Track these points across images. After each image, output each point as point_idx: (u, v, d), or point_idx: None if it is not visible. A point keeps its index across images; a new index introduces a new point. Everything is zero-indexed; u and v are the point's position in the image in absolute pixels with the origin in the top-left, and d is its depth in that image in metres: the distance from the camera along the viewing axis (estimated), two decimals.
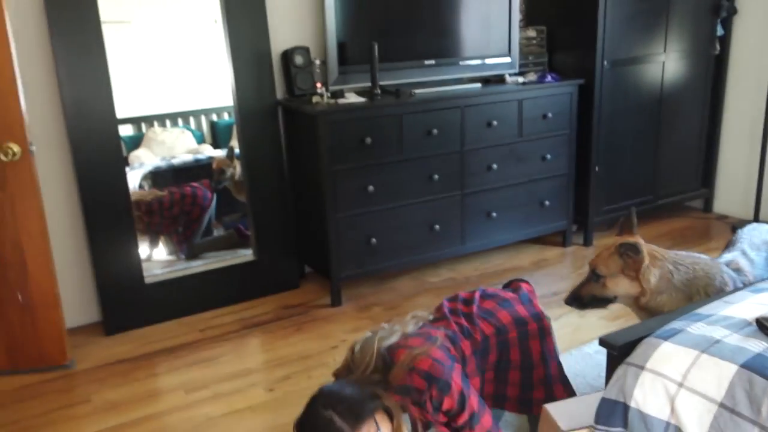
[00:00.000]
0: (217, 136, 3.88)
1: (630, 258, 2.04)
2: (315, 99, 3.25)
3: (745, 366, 1.43)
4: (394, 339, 1.88)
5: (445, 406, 1.78)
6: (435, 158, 3.42)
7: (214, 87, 3.52)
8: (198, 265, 3.45)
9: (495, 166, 3.58)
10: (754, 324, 1.57)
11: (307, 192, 3.44)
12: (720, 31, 4.18)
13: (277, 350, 2.98)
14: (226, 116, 3.87)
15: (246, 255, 3.51)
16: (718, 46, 4.20)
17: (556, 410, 1.80)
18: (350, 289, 3.50)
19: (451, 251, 3.64)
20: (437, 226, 3.50)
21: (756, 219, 4.15)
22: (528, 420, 2.22)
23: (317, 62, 3.39)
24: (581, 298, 2.15)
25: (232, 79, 3.25)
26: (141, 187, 3.59)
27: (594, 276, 2.13)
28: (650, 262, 2.04)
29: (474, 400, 1.83)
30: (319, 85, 3.33)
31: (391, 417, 1.71)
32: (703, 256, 2.20)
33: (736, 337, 1.52)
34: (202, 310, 3.34)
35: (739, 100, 4.30)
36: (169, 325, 3.24)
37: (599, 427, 1.58)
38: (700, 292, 2.03)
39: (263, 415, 2.51)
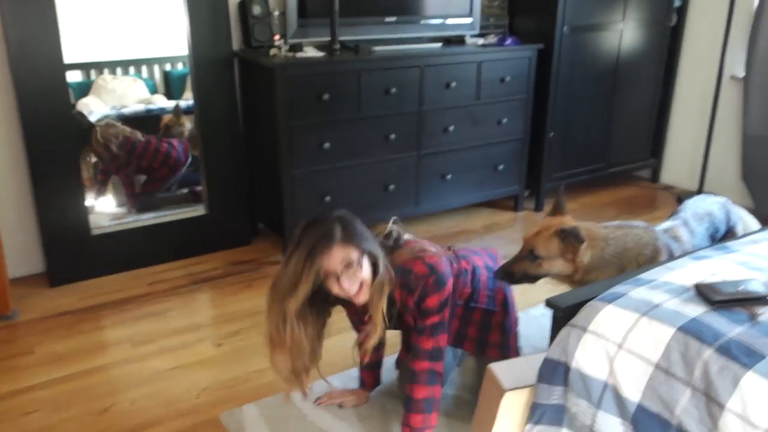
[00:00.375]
0: (171, 86, 3.78)
1: (571, 243, 2.07)
2: (272, 51, 3.18)
3: (681, 329, 1.48)
4: (408, 235, 2.05)
5: (428, 303, 1.87)
6: (392, 117, 3.41)
7: (169, 35, 3.41)
8: (148, 218, 3.38)
9: (452, 128, 3.59)
10: (693, 289, 1.62)
11: (262, 147, 3.39)
12: (677, 2, 4.23)
13: (227, 306, 2.97)
14: (180, 66, 3.76)
15: (197, 209, 3.45)
16: (675, 17, 4.26)
17: (500, 369, 1.84)
18: None
19: (405, 212, 3.65)
20: (392, 186, 3.50)
21: (700, 191, 4.27)
22: (477, 363, 2.32)
23: (276, 13, 3.32)
24: (513, 275, 2.15)
25: (187, 27, 3.15)
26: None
27: (530, 255, 2.12)
28: (587, 244, 2.07)
29: (447, 314, 1.92)
30: (277, 37, 3.26)
31: (375, 271, 1.81)
32: (638, 224, 2.23)
33: (675, 302, 1.57)
34: (151, 264, 3.28)
35: (691, 73, 4.38)
36: (116, 278, 3.18)
37: (541, 384, 1.62)
38: (632, 262, 2.08)
39: (211, 369, 2.51)
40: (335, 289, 1.79)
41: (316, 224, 1.80)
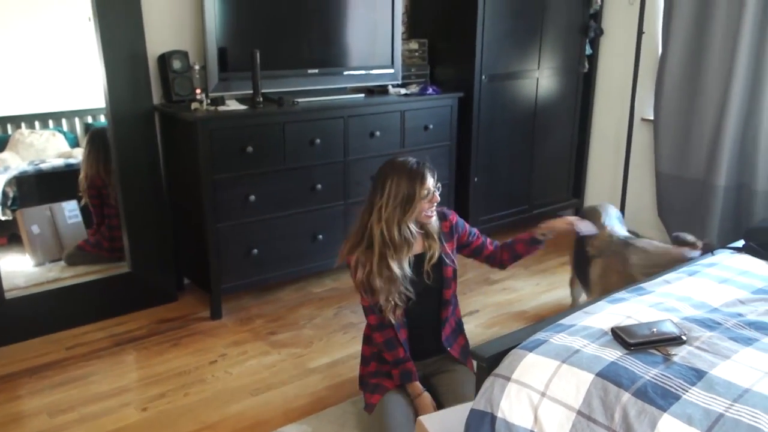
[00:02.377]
0: None
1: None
2: (194, 105, 3.15)
3: (600, 375, 1.51)
4: None
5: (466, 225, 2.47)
6: (318, 168, 3.42)
7: (89, 87, 3.33)
8: (66, 277, 3.24)
9: None
10: (610, 333, 1.67)
11: (186, 201, 3.33)
12: (588, 50, 4.45)
13: (152, 367, 2.86)
14: (102, 119, 3.67)
15: (120, 266, 3.34)
16: (586, 64, 4.47)
17: (430, 422, 1.84)
18: (231, 302, 3.42)
19: (335, 262, 3.62)
20: (320, 236, 3.49)
21: None
22: None
23: (197, 67, 3.30)
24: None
25: (104, 81, 3.09)
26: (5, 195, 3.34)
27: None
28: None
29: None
30: (198, 91, 3.24)
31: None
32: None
33: (594, 347, 1.61)
34: (70, 327, 3.14)
35: (605, 116, 4.59)
36: (32, 344, 3.03)
37: None
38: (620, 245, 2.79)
39: None
40: (427, 205, 2.24)
41: (404, 159, 2.27)
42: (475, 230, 2.49)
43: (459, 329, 2.50)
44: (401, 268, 2.24)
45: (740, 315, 1.78)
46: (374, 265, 2.23)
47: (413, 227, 2.25)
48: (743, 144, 3.77)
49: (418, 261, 2.33)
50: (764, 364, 1.52)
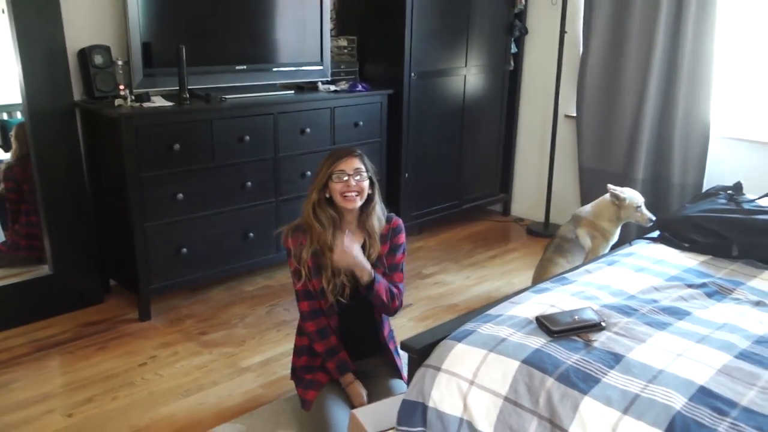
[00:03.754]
0: (8, 136, 3.52)
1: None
2: (118, 102, 3.07)
3: (525, 361, 1.57)
4: None
5: (400, 239, 2.39)
6: (248, 165, 3.38)
7: (4, 83, 3.19)
8: None
9: (309, 173, 3.61)
10: (534, 322, 1.73)
11: (110, 200, 3.24)
12: (514, 49, 4.56)
13: (78, 372, 2.77)
14: (18, 115, 3.52)
15: (40, 268, 3.22)
16: (512, 63, 4.58)
17: (364, 415, 1.86)
18: (160, 303, 3.35)
19: (267, 259, 3.61)
20: (251, 234, 3.46)
21: (547, 221, 4.58)
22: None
23: (120, 63, 3.21)
24: None
25: (21, 76, 2.97)
26: None
27: None
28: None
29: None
30: (122, 87, 3.15)
31: (370, 198, 2.29)
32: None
33: (519, 335, 1.67)
34: None
35: (530, 113, 4.72)
36: None
37: (401, 428, 1.65)
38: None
39: None
40: (339, 187, 2.22)
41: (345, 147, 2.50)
42: (401, 264, 2.40)
43: (391, 336, 2.50)
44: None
45: (655, 301, 1.88)
46: (316, 244, 2.26)
47: (331, 211, 2.28)
48: (659, 139, 3.96)
49: None
50: (676, 347, 1.61)
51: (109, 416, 2.48)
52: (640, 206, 3.06)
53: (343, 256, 2.18)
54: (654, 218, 3.01)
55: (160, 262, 3.17)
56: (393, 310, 2.32)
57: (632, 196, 3.09)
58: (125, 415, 2.49)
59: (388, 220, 2.39)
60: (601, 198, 3.18)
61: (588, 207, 3.22)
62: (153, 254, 3.14)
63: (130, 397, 2.60)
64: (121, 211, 3.13)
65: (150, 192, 3.07)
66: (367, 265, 2.21)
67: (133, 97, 3.10)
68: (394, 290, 2.30)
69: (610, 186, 3.11)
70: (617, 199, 3.07)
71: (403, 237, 2.40)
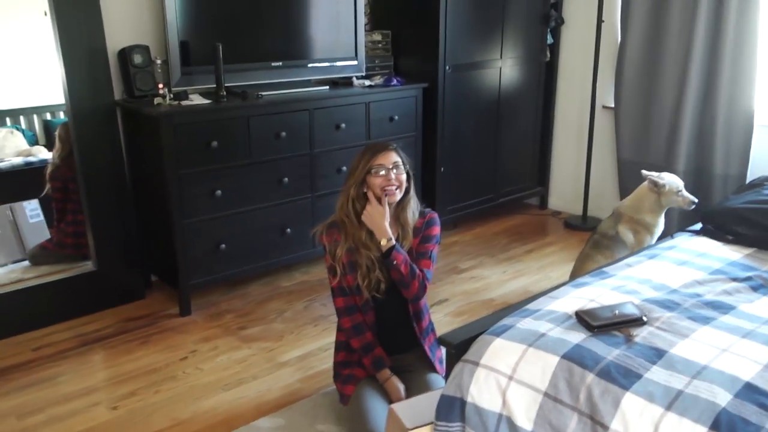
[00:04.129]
0: (53, 137, 3.61)
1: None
2: (157, 100, 3.12)
3: (565, 357, 1.55)
4: None
5: (433, 230, 2.38)
6: (284, 161, 3.41)
7: (47, 84, 3.27)
8: (29, 278, 3.19)
9: (344, 168, 3.62)
10: (574, 317, 1.71)
11: (151, 198, 3.30)
12: (550, 40, 4.50)
13: (121, 366, 2.84)
14: (61, 115, 3.61)
15: (84, 265, 3.30)
16: (548, 54, 4.52)
17: (402, 409, 1.86)
18: (200, 298, 3.40)
19: (304, 254, 3.64)
20: (289, 230, 3.49)
21: (585, 215, 4.52)
22: None
23: (158, 62, 3.26)
24: None
25: (63, 76, 3.04)
26: None
27: None
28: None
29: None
30: (161, 86, 3.20)
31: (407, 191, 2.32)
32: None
33: (559, 330, 1.65)
34: (34, 329, 3.10)
35: (567, 105, 4.66)
36: None
37: (440, 423, 1.65)
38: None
39: None
40: (379, 181, 2.24)
41: (380, 141, 2.46)
42: (430, 252, 2.36)
43: (430, 329, 2.49)
44: (372, 249, 2.27)
45: (698, 295, 1.84)
46: (351, 241, 2.28)
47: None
48: (701, 129, 3.87)
49: (390, 252, 2.35)
50: (720, 342, 1.58)
51: (152, 409, 2.53)
52: (680, 190, 2.98)
53: (372, 214, 2.24)
54: (696, 200, 2.94)
55: (199, 258, 3.22)
56: (414, 293, 2.28)
57: (671, 180, 3.01)
58: (168, 408, 2.54)
59: (422, 215, 2.39)
60: (638, 188, 3.10)
61: (626, 201, 3.15)
62: (192, 250, 3.19)
63: (172, 391, 2.65)
64: (161, 208, 3.18)
65: (189, 189, 3.11)
66: (389, 232, 2.24)
67: (171, 96, 3.15)
68: (416, 270, 2.28)
69: (645, 172, 3.04)
70: (656, 185, 2.99)
71: (437, 229, 2.39)
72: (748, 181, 3.51)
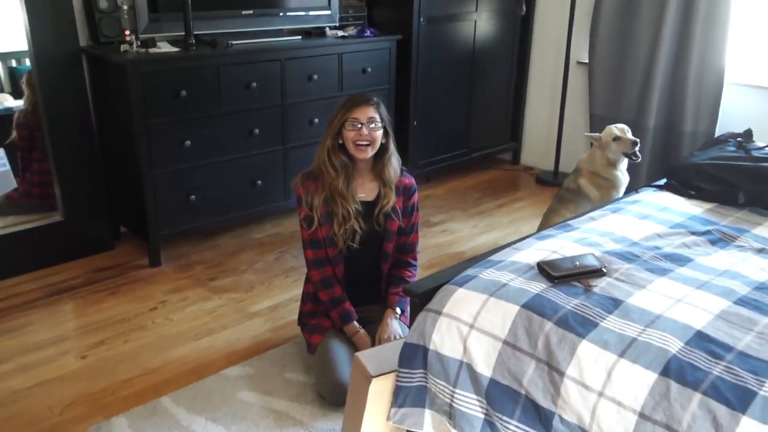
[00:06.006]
0: (19, 84, 3.52)
1: None
2: (123, 47, 3.05)
3: (525, 306, 1.59)
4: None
5: (415, 198, 2.45)
6: (255, 112, 3.37)
7: (12, 30, 3.17)
8: None
9: (317, 120, 3.60)
10: (536, 267, 1.74)
11: (119, 147, 3.26)
12: None
13: (90, 316, 2.84)
14: (27, 62, 3.51)
15: (52, 215, 3.27)
16: (524, 7, 4.48)
17: (366, 358, 1.89)
18: (170, 249, 3.39)
19: (276, 206, 3.63)
20: (260, 182, 3.47)
21: (556, 170, 4.55)
22: None
23: (125, 7, 3.18)
24: None
25: (26, 21, 2.95)
26: None
27: None
28: None
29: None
30: (127, 32, 3.12)
31: (385, 148, 2.34)
32: None
33: (520, 281, 1.68)
34: (3, 278, 3.08)
35: (541, 60, 4.64)
36: None
37: (402, 370, 1.69)
38: None
39: (75, 383, 2.40)
40: (352, 135, 2.25)
41: (362, 94, 2.39)
42: (417, 225, 2.49)
43: (403, 283, 2.45)
44: (348, 200, 2.30)
45: (657, 248, 1.88)
46: (328, 191, 2.30)
47: (344, 158, 2.30)
48: (672, 86, 3.89)
49: (371, 207, 2.36)
50: (676, 292, 1.62)
51: (121, 358, 2.55)
52: (618, 136, 3.05)
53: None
54: (637, 140, 3.03)
55: (169, 209, 3.20)
56: None
57: (606, 131, 3.10)
58: (137, 357, 2.55)
59: (401, 173, 2.41)
60: (594, 147, 3.17)
61: (584, 156, 3.20)
62: (162, 201, 3.16)
63: (141, 340, 2.67)
64: (129, 158, 3.14)
65: (158, 139, 3.07)
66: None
67: (139, 43, 3.08)
68: (409, 277, 2.44)
69: (585, 134, 3.15)
70: (595, 140, 3.11)
71: (417, 197, 2.45)
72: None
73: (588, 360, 1.45)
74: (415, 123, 4.08)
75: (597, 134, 3.13)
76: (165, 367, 2.51)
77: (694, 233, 1.99)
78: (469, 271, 1.77)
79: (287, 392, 2.36)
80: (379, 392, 1.78)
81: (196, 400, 2.30)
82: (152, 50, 3.07)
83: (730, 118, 3.76)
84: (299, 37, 3.66)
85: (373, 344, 2.34)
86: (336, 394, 2.24)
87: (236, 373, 2.46)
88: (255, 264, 3.32)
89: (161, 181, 3.14)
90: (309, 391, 2.36)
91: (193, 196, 3.24)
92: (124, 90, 2.99)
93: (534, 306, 1.58)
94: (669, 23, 3.75)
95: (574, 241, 1.90)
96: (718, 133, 3.77)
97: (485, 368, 1.58)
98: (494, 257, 1.86)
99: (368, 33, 3.79)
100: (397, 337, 2.29)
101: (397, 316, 2.39)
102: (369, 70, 3.77)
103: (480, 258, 1.89)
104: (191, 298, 3.00)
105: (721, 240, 1.96)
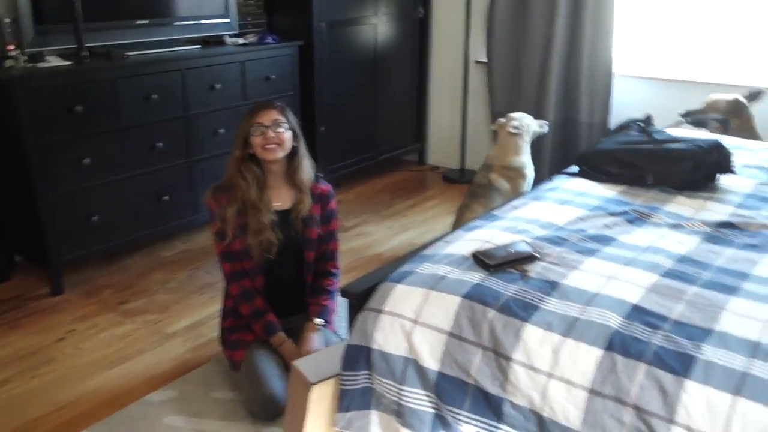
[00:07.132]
0: None
1: None
2: (8, 63, 2.85)
3: (466, 296, 1.58)
4: None
5: (333, 205, 2.43)
6: (157, 125, 3.23)
7: None
8: None
9: (222, 130, 3.49)
10: (471, 258, 1.75)
11: (9, 170, 3.02)
12: None
13: None
14: None
15: None
16: (422, 9, 4.55)
17: (304, 364, 1.84)
18: (73, 275, 3.18)
19: (184, 222, 3.49)
20: (166, 197, 3.32)
21: (462, 168, 4.64)
22: None
23: (7, 20, 2.95)
24: None
25: None
26: None
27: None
28: None
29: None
30: (11, 46, 2.91)
31: (294, 152, 2.30)
32: None
33: (458, 272, 1.68)
34: None
35: (441, 60, 4.73)
36: None
37: (346, 374, 1.65)
38: None
39: None
40: (259, 140, 2.21)
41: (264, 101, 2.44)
42: (336, 232, 2.45)
43: (325, 293, 2.43)
44: (261, 210, 2.24)
45: (582, 230, 1.93)
46: (240, 203, 2.24)
47: (256, 168, 2.26)
48: (567, 81, 4.06)
49: (288, 215, 2.31)
50: (606, 270, 1.67)
51: (30, 395, 2.35)
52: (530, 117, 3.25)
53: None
54: (546, 121, 3.27)
55: (69, 232, 3.00)
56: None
57: (515, 115, 3.24)
58: (48, 393, 2.37)
59: (317, 179, 2.38)
60: (500, 137, 3.23)
61: (492, 151, 3.26)
62: (61, 224, 2.96)
63: (51, 374, 2.48)
64: (22, 180, 2.92)
65: (53, 158, 2.88)
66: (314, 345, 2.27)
67: (25, 58, 2.88)
68: (330, 286, 2.41)
69: (493, 125, 3.29)
70: (506, 119, 3.19)
71: (335, 203, 2.43)
72: (609, 127, 3.73)
73: (534, 343, 1.47)
74: (322, 129, 4.04)
75: (500, 119, 3.22)
76: (81, 399, 2.33)
77: (612, 214, 2.06)
78: (405, 267, 1.75)
79: (216, 412, 2.25)
80: (321, 399, 1.73)
81: (119, 430, 2.16)
82: (41, 65, 2.88)
83: (621, 108, 3.97)
84: (198, 46, 3.54)
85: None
86: (269, 409, 2.17)
87: (159, 397, 2.32)
88: (167, 283, 3.17)
89: (60, 202, 2.94)
90: (239, 408, 2.27)
91: (95, 217, 3.05)
92: (12, 108, 2.78)
93: (475, 295, 1.58)
94: (560, 21, 3.92)
95: (503, 229, 1.92)
96: (611, 122, 3.97)
97: (432, 362, 1.57)
98: (427, 251, 1.85)
99: (269, 40, 3.72)
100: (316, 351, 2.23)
101: (319, 328, 2.34)
102: (273, 77, 3.70)
103: (412, 254, 1.88)
104: (101, 324, 2.81)
105: (637, 219, 2.04)
